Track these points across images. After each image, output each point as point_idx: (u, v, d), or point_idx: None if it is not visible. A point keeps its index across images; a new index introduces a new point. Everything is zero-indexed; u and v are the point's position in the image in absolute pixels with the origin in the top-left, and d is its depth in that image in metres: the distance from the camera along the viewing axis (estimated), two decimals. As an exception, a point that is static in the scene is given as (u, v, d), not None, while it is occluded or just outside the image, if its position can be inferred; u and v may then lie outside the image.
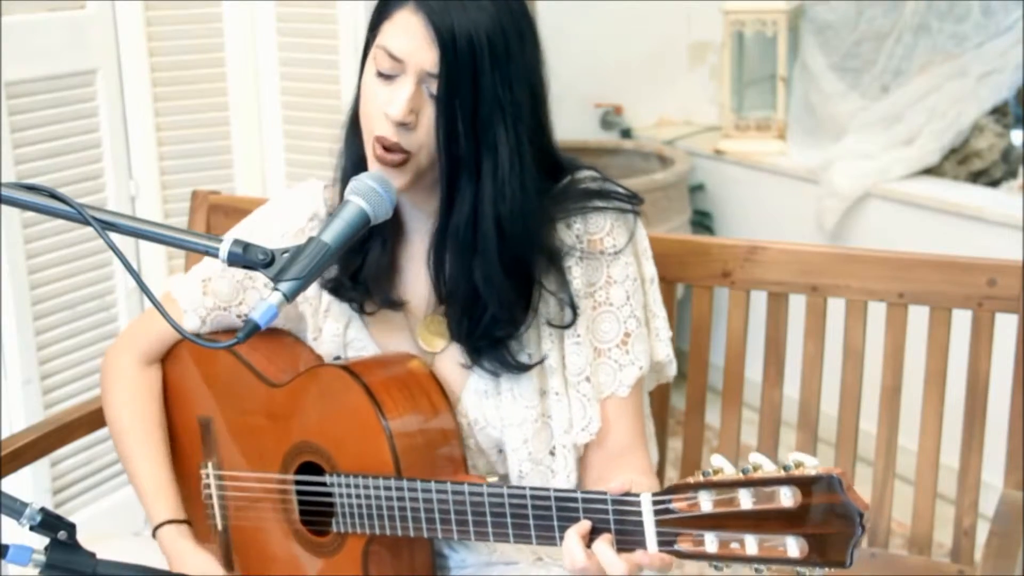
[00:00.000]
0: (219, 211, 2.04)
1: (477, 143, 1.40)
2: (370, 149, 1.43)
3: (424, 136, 1.40)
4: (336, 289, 1.56)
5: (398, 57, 1.39)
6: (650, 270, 1.56)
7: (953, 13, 3.24)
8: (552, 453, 1.51)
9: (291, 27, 2.87)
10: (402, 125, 1.39)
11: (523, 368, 1.48)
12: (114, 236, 1.22)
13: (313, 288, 1.59)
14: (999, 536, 1.62)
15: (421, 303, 1.55)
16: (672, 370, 1.60)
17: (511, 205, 1.42)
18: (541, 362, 1.49)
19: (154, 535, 1.63)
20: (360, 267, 1.54)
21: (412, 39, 1.38)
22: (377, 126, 1.41)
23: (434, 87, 1.38)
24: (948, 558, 1.78)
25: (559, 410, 1.50)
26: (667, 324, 1.58)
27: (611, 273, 1.50)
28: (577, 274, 1.48)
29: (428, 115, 1.40)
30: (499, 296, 1.44)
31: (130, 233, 1.26)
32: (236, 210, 2.01)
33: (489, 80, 1.38)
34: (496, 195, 1.41)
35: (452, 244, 1.44)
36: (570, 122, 3.75)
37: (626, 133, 3.93)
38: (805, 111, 3.59)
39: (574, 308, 1.47)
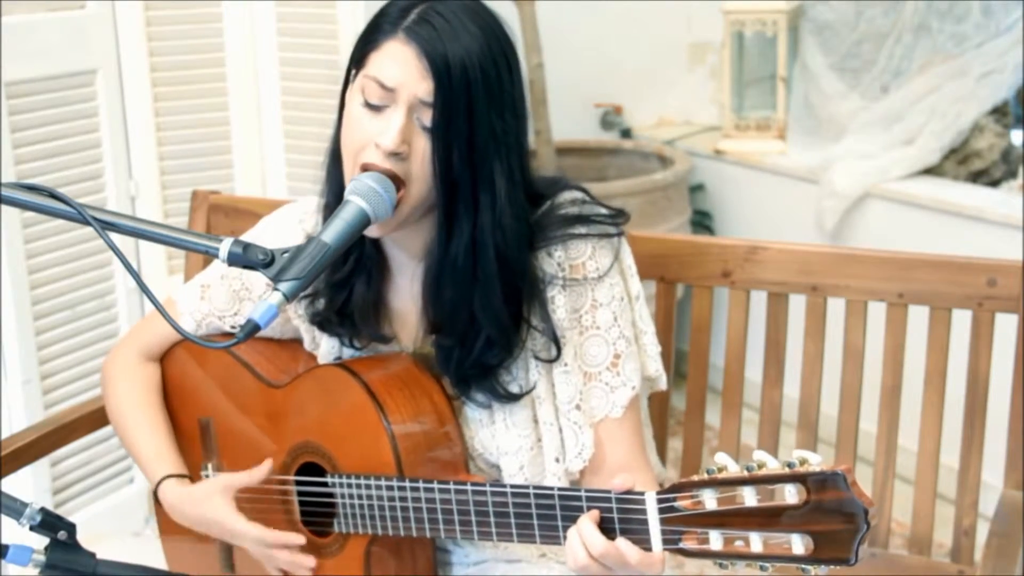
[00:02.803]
0: (219, 211, 2.04)
1: (474, 174, 1.39)
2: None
3: (416, 166, 1.39)
4: (323, 324, 1.56)
5: (390, 87, 1.37)
6: (636, 287, 1.54)
7: (953, 13, 3.24)
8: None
9: (291, 27, 2.87)
10: (394, 155, 1.38)
11: (513, 398, 1.48)
12: (114, 236, 1.22)
13: (304, 311, 1.59)
14: (999, 536, 1.62)
15: (409, 337, 1.56)
16: (663, 383, 1.59)
17: (509, 236, 1.42)
18: (531, 391, 1.49)
19: (156, 497, 1.62)
20: (345, 303, 1.53)
21: (404, 69, 1.37)
22: (365, 155, 1.39)
23: (426, 117, 1.37)
24: (948, 558, 1.78)
25: (550, 439, 1.49)
26: (655, 340, 1.57)
27: (596, 296, 1.49)
28: (560, 303, 1.47)
29: (420, 145, 1.38)
30: (497, 323, 1.44)
31: (130, 233, 1.26)
32: (236, 210, 2.01)
33: (484, 110, 1.37)
34: (495, 226, 1.41)
35: (451, 274, 1.43)
36: (570, 122, 3.75)
37: (626, 133, 3.93)
38: (805, 111, 3.59)
39: (557, 343, 1.47)
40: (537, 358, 1.48)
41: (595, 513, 1.31)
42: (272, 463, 1.55)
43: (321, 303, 1.54)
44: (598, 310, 1.49)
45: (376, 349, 1.58)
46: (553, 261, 1.47)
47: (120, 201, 2.79)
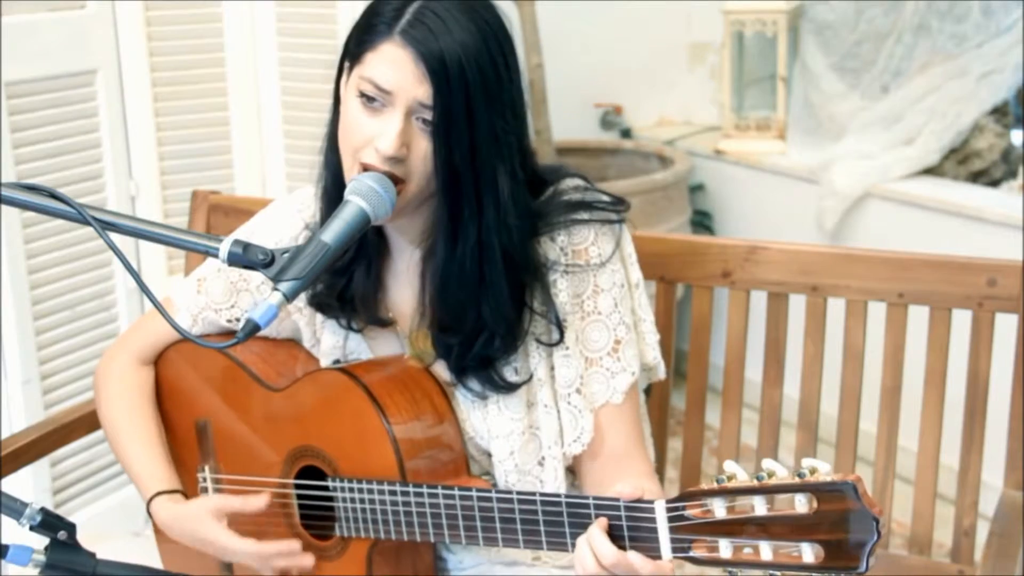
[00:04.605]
0: (219, 211, 2.04)
1: (477, 175, 1.39)
2: (354, 173, 1.40)
3: (416, 165, 1.39)
4: (322, 307, 1.56)
5: (387, 89, 1.37)
6: (636, 275, 1.55)
7: (953, 13, 3.24)
8: (541, 464, 1.51)
9: (291, 27, 2.87)
10: (392, 158, 1.37)
11: (511, 388, 1.48)
12: (114, 236, 1.22)
13: (304, 302, 1.59)
14: (999, 536, 1.62)
15: (407, 319, 1.55)
16: (661, 372, 1.60)
17: (514, 234, 1.42)
18: (528, 380, 1.49)
19: (149, 512, 1.62)
20: (346, 287, 1.53)
21: (401, 72, 1.36)
22: (364, 155, 1.39)
23: (426, 116, 1.37)
24: (948, 558, 1.78)
25: (548, 423, 1.49)
26: (654, 328, 1.57)
27: (598, 282, 1.49)
28: (563, 287, 1.47)
29: (421, 146, 1.38)
30: (505, 322, 1.44)
31: (130, 233, 1.26)
32: (236, 210, 2.01)
33: (483, 110, 1.37)
34: (500, 227, 1.41)
35: (458, 277, 1.43)
36: (570, 122, 3.75)
37: (626, 133, 3.93)
38: (805, 111, 3.59)
39: (560, 327, 1.47)
40: (539, 341, 1.48)
41: (604, 521, 1.30)
42: (270, 496, 1.54)
43: (320, 287, 1.54)
44: (600, 296, 1.49)
45: (375, 332, 1.57)
46: (556, 246, 1.47)
47: (120, 201, 2.79)
